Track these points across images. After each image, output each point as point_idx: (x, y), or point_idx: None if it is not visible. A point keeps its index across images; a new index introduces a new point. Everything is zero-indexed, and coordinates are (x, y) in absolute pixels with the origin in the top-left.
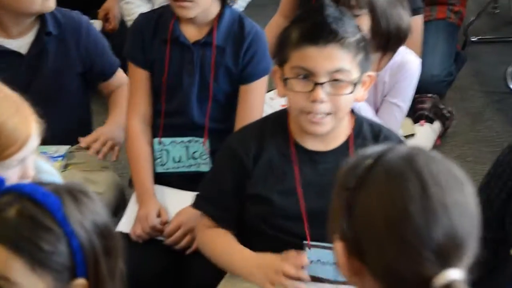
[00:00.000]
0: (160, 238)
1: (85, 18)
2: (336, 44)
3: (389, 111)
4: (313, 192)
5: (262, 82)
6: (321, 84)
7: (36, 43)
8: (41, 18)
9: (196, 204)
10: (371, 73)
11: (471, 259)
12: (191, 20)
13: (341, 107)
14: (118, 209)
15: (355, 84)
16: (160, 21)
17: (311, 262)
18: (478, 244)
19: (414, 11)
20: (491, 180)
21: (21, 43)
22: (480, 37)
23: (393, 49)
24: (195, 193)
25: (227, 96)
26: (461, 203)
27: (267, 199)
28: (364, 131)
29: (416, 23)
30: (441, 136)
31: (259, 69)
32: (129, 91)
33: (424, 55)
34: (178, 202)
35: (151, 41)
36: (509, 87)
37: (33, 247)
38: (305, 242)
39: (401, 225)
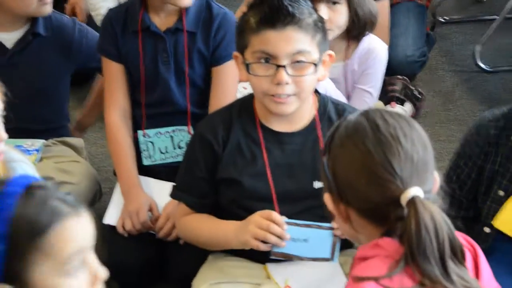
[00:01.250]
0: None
1: (77, 22)
2: (294, 26)
3: (360, 97)
4: (282, 173)
5: (233, 63)
6: (283, 66)
7: (22, 41)
8: (33, 18)
9: (173, 194)
10: (330, 52)
11: (432, 179)
12: (161, 9)
13: (305, 88)
14: (94, 199)
15: (316, 65)
16: (129, 14)
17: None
18: (435, 172)
19: None
20: (460, 160)
21: (8, 37)
22: (447, 17)
23: (363, 36)
24: None
25: (204, 80)
26: (411, 135)
27: (237, 182)
28: (329, 111)
29: (383, 6)
30: (413, 117)
31: (229, 50)
32: (105, 85)
33: (397, 37)
34: (165, 193)
35: (122, 34)
36: (478, 66)
37: None
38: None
39: (365, 162)
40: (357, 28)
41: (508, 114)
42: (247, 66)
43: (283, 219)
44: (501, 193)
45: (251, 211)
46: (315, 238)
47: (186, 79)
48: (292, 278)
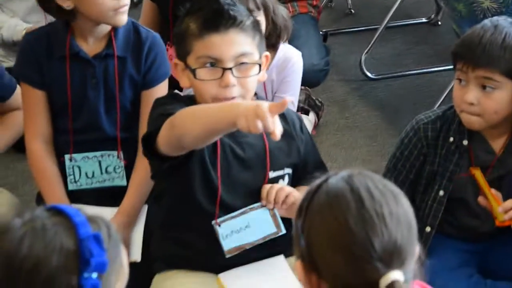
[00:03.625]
0: None
1: None
2: (236, 28)
3: None
4: (232, 166)
5: (163, 86)
6: (230, 69)
7: None
8: None
9: (148, 133)
10: (266, 53)
11: (413, 261)
12: (89, 34)
13: (250, 89)
14: None
15: (260, 65)
16: (53, 39)
17: (226, 236)
18: (417, 248)
19: None
20: (397, 163)
21: None
22: (324, 30)
23: (279, 44)
24: (113, 208)
25: (133, 104)
26: (397, 213)
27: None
28: None
29: None
30: (316, 126)
31: (160, 73)
32: (24, 112)
33: (300, 47)
34: None
35: (47, 60)
36: (365, 74)
37: None
38: (213, 222)
39: (344, 239)
40: (274, 37)
41: (443, 116)
42: (193, 71)
43: (218, 219)
44: (441, 192)
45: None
46: (255, 220)
47: (117, 104)
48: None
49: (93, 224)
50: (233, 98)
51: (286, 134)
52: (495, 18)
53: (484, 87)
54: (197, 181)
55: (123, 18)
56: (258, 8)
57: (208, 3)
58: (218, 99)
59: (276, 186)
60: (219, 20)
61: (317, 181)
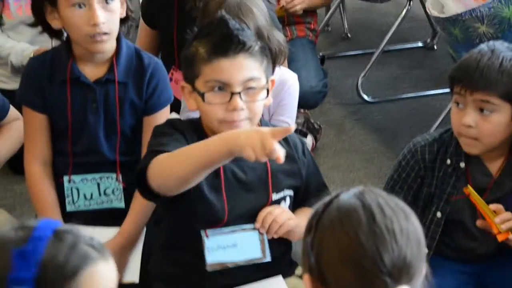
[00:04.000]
0: None
1: None
2: (245, 53)
3: None
4: (240, 189)
5: (165, 112)
6: (238, 93)
7: None
8: None
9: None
10: (272, 77)
11: (421, 278)
12: (90, 59)
13: (257, 112)
14: None
15: (267, 90)
16: (55, 63)
17: (212, 249)
18: (425, 266)
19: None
20: (395, 185)
21: None
22: (321, 53)
23: (275, 68)
24: (111, 228)
25: (133, 129)
26: (407, 230)
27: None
28: None
29: None
30: (313, 149)
31: (162, 99)
32: (25, 135)
33: (298, 69)
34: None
35: (49, 84)
36: (362, 97)
37: None
38: (201, 231)
39: (355, 253)
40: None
41: (440, 139)
42: (202, 95)
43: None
44: (439, 214)
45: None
46: (243, 241)
47: (118, 129)
48: None
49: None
50: (241, 121)
51: (288, 156)
52: (491, 42)
53: (482, 110)
54: (200, 208)
55: (100, 47)
56: None
57: (218, 28)
58: (226, 122)
59: (275, 212)
60: (229, 44)
61: (328, 198)
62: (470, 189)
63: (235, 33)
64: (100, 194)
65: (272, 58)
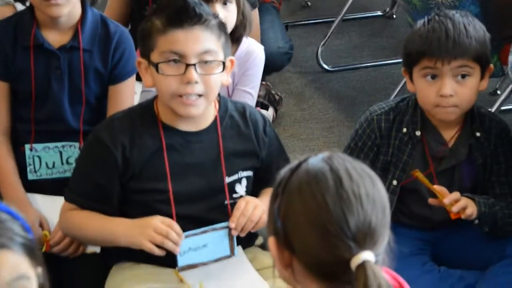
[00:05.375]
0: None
1: None
2: (201, 26)
3: (241, 98)
4: (193, 172)
5: (131, 81)
6: (193, 65)
7: None
8: None
9: (67, 196)
10: (232, 57)
11: (384, 244)
12: (53, 25)
13: (213, 88)
14: None
15: (224, 63)
16: (19, 29)
17: (184, 253)
18: (388, 233)
19: (252, 6)
20: (352, 153)
21: None
22: (283, 22)
23: (242, 37)
24: None
25: (98, 98)
26: (373, 195)
27: (139, 184)
28: (230, 110)
29: (255, 16)
30: (274, 120)
31: (128, 68)
32: None
33: (266, 31)
34: (53, 209)
35: (12, 51)
36: (321, 66)
37: None
38: None
39: (321, 216)
40: (241, 29)
41: (396, 108)
42: (156, 66)
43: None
44: (395, 182)
45: (149, 212)
46: (213, 240)
47: (83, 97)
48: (206, 279)
49: None
50: (195, 96)
51: (243, 136)
52: (440, 12)
53: (462, 76)
54: (148, 203)
55: (55, 11)
56: (231, 1)
57: (174, 1)
58: (178, 96)
59: (248, 210)
60: (185, 16)
61: (295, 162)
62: (418, 173)
63: (191, 5)
64: (62, 163)
65: (244, 25)
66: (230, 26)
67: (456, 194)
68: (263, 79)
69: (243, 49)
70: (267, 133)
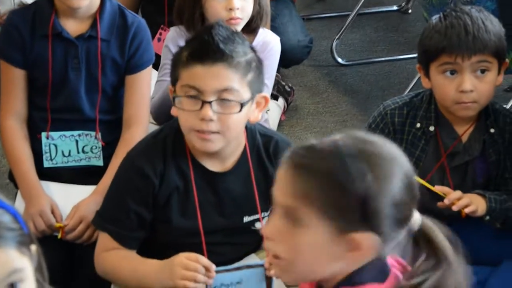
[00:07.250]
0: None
1: None
2: (223, 63)
3: None
4: (212, 211)
5: (148, 71)
6: (209, 102)
7: None
8: None
9: (97, 224)
10: (265, 94)
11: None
12: (72, 14)
13: (230, 127)
14: None
15: (242, 104)
16: (37, 17)
17: (215, 287)
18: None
19: None
20: None
21: None
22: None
23: (259, 28)
24: (86, 186)
25: (114, 87)
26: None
27: (168, 220)
28: (258, 143)
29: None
30: (285, 112)
31: (144, 59)
32: (2, 89)
33: (285, 24)
34: (66, 196)
35: (30, 39)
36: (336, 60)
37: None
38: None
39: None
40: (257, 20)
41: (410, 103)
42: (173, 99)
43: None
44: None
45: (178, 248)
46: (248, 278)
47: (99, 87)
48: None
49: None
50: (210, 132)
51: (268, 177)
52: (453, 9)
53: (482, 71)
54: (177, 230)
55: (75, 2)
56: None
57: (202, 34)
58: (194, 130)
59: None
60: (206, 51)
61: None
62: (418, 179)
63: (216, 41)
64: (78, 151)
65: (260, 16)
66: (246, 17)
67: (456, 193)
68: (277, 71)
69: (259, 40)
70: None
